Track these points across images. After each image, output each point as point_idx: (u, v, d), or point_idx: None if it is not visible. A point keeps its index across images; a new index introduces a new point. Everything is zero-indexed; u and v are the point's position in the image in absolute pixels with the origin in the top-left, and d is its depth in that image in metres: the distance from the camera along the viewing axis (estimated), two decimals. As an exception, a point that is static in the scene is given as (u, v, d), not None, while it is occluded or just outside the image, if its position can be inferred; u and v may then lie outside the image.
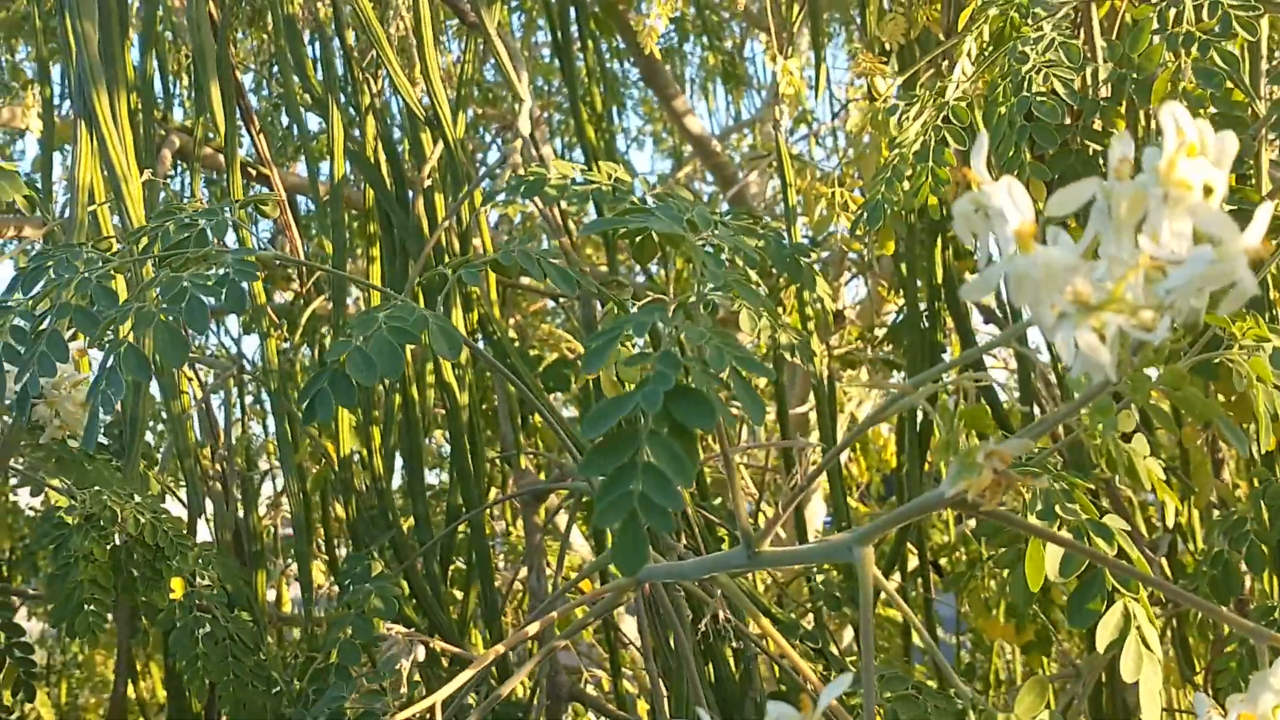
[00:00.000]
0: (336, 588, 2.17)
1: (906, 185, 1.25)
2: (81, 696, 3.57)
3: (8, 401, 1.03)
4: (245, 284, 0.89)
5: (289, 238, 2.12)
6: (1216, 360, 0.83)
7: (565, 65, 2.38)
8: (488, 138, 3.18)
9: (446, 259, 1.59)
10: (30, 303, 0.92)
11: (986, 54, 1.24)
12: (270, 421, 2.58)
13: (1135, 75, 1.23)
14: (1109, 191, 0.47)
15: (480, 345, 1.69)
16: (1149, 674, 0.72)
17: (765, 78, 4.61)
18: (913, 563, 2.19)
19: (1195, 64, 1.08)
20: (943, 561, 2.46)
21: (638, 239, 0.77)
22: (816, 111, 3.57)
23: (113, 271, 0.94)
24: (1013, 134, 1.10)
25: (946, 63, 1.69)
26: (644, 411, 0.57)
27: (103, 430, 1.30)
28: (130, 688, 2.26)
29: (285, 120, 2.89)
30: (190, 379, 1.76)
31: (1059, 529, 0.74)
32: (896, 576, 2.21)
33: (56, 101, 1.99)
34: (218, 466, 1.65)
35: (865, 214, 1.24)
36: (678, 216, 0.70)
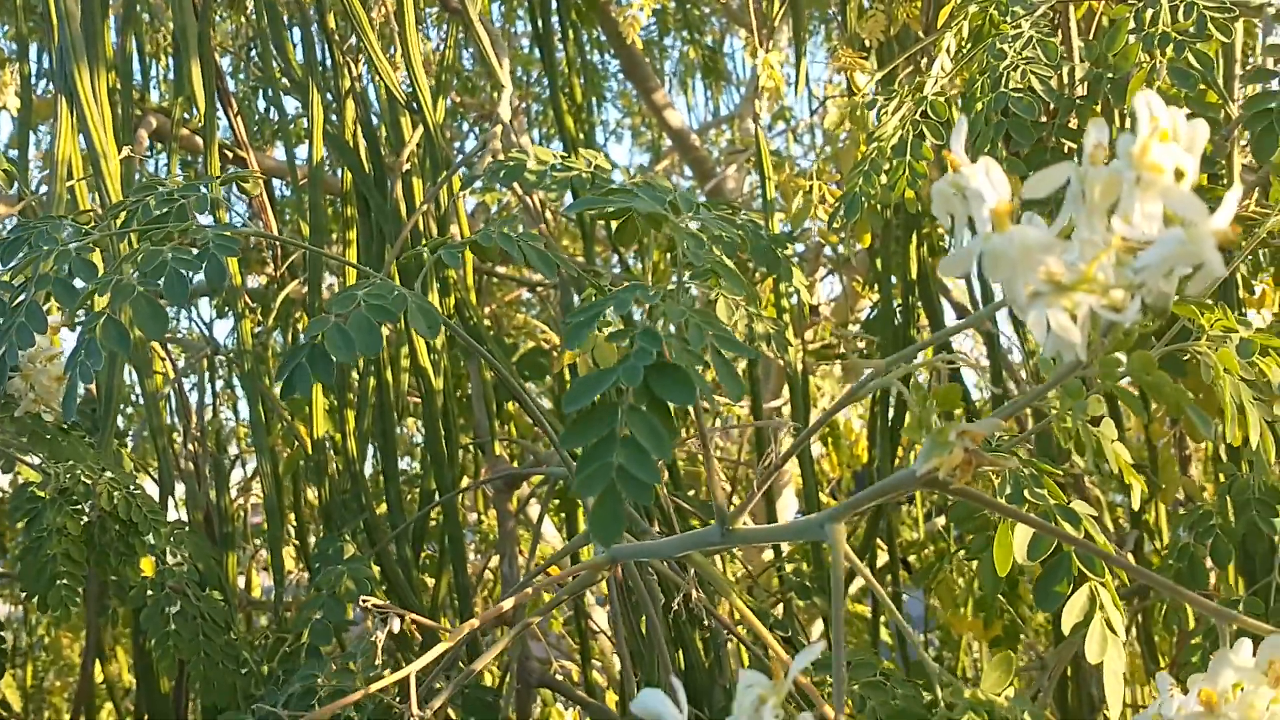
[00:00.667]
0: (306, 574, 2.17)
1: (884, 179, 1.26)
2: (47, 680, 3.55)
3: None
4: (225, 258, 0.89)
5: (265, 220, 2.12)
6: (1186, 356, 0.84)
7: (545, 55, 2.38)
8: (465, 126, 3.18)
9: (424, 243, 1.59)
10: (8, 275, 0.92)
11: (965, 51, 1.25)
12: (241, 406, 2.58)
13: (1111, 75, 1.24)
14: (1083, 176, 0.48)
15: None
16: (1113, 656, 0.73)
17: (744, 74, 4.62)
18: (882, 559, 2.20)
19: (1170, 64, 1.09)
20: (911, 559, 2.48)
21: (619, 223, 0.78)
22: (795, 109, 3.59)
23: (92, 245, 0.94)
24: (989, 129, 1.12)
25: (925, 60, 1.71)
26: (624, 386, 0.58)
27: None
28: (98, 670, 2.26)
29: (262, 105, 2.89)
30: (163, 359, 1.76)
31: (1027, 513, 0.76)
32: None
33: (34, 79, 1.98)
34: (190, 447, 1.65)
35: (843, 206, 1.25)
36: (660, 198, 0.71)
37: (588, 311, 0.63)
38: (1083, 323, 0.47)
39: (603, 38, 3.12)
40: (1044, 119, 1.18)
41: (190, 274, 0.88)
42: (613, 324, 0.63)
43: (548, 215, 2.71)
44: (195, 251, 0.88)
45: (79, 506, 1.14)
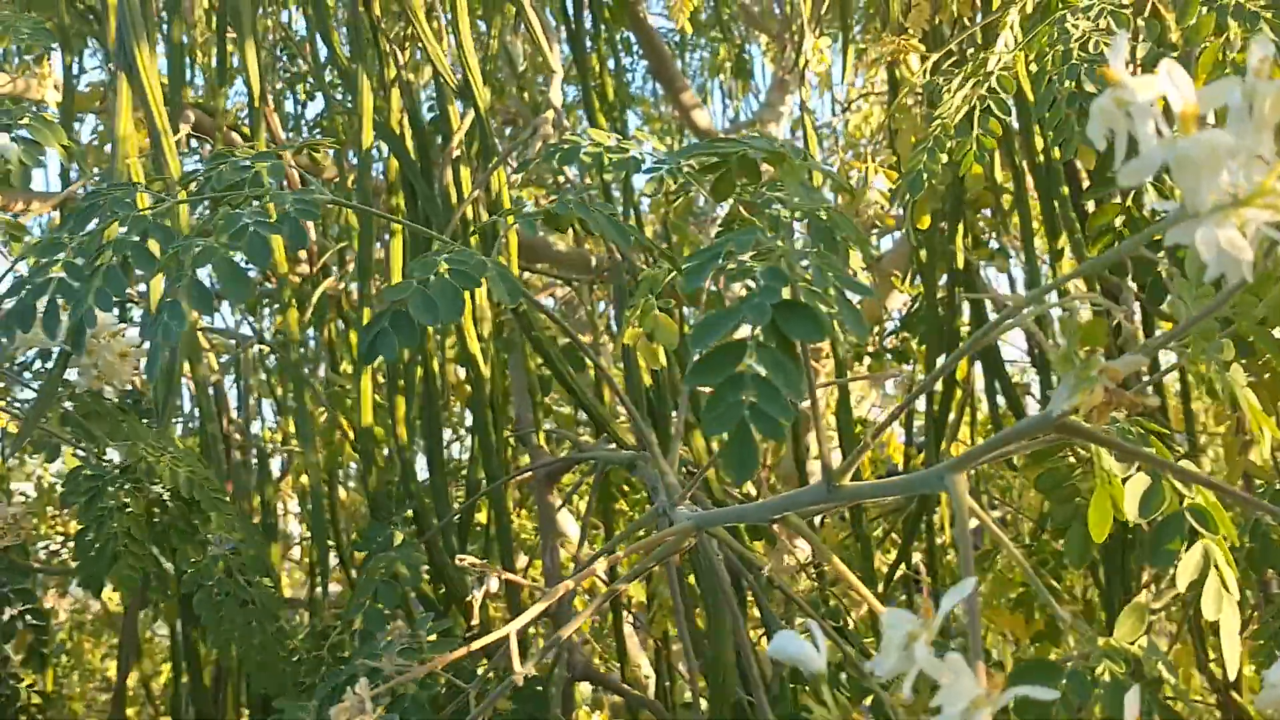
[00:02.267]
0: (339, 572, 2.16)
1: (945, 158, 1.25)
2: (68, 685, 3.53)
3: (59, 341, 1.02)
4: (305, 222, 0.88)
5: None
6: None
7: (577, 54, 2.38)
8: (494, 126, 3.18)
9: (473, 233, 1.58)
10: (86, 239, 0.91)
11: (1031, 26, 1.24)
12: (275, 404, 2.57)
13: (1173, 56, 1.23)
14: (1251, 91, 0.46)
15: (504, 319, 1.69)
16: (1229, 614, 0.72)
17: (765, 81, 4.62)
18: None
19: (1246, 35, 1.08)
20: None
21: (716, 177, 0.76)
22: (817, 110, 3.58)
23: (166, 212, 0.93)
24: (1062, 102, 1.10)
25: (971, 50, 1.70)
26: (751, 324, 0.57)
27: (131, 390, 1.29)
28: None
29: (290, 106, 2.89)
30: (208, 350, 1.75)
31: (1136, 471, 0.74)
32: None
33: (76, 71, 1.97)
34: (236, 436, 1.64)
35: (905, 184, 1.24)
36: (769, 146, 0.70)
37: (709, 252, 0.61)
38: (1251, 241, 0.46)
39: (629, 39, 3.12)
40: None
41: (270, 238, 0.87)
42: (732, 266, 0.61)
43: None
44: (277, 215, 0.87)
45: (141, 483, 1.13)
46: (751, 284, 0.59)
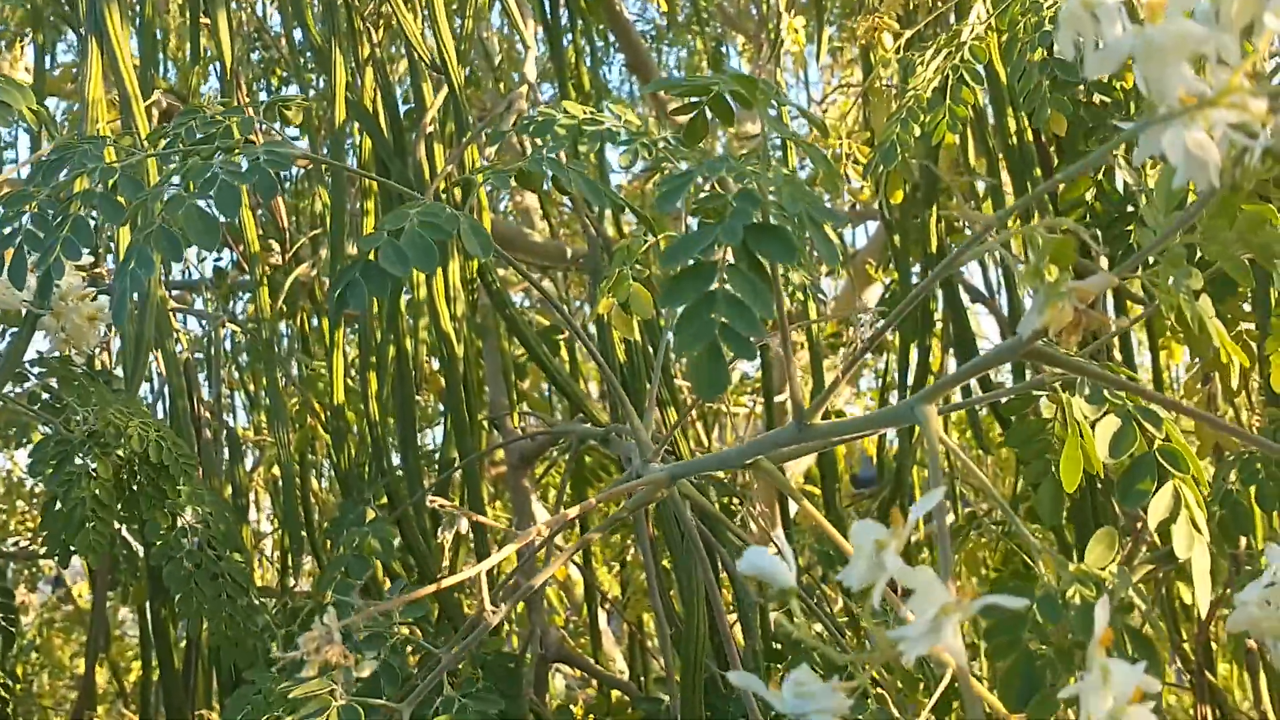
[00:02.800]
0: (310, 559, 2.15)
1: (918, 130, 1.25)
2: (38, 682, 3.50)
3: (26, 294, 1.01)
4: (275, 173, 0.88)
5: (274, 202, 2.10)
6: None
7: (552, 45, 2.38)
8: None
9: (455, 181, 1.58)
10: (53, 191, 0.90)
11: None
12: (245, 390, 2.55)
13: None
14: (1217, -7, 0.47)
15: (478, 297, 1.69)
16: (1200, 554, 0.72)
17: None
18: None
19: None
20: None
21: (689, 119, 0.76)
22: (792, 108, 3.59)
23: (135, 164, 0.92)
24: (1035, 68, 1.11)
25: (944, 34, 1.71)
26: (722, 245, 0.57)
27: (99, 354, 1.28)
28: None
29: (264, 96, 2.88)
30: (178, 330, 1.74)
31: (1106, 415, 0.74)
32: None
33: (47, 60, 1.96)
34: (206, 414, 1.62)
35: (878, 155, 1.25)
36: (740, 76, 0.70)
37: (678, 178, 0.61)
38: (1219, 141, 0.46)
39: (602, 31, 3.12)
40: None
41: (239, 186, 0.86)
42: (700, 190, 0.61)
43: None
44: (246, 164, 0.87)
45: (109, 448, 1.11)
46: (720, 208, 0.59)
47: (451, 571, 1.72)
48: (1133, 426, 0.74)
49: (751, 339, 0.55)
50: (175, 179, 0.87)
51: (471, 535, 1.63)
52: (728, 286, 0.56)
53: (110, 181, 0.89)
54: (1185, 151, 0.46)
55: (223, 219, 0.82)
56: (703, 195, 0.60)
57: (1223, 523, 1.11)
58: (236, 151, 0.89)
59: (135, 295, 0.83)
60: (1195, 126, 0.46)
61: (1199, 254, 0.61)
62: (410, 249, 0.86)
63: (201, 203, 0.85)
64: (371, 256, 0.86)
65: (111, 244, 1.31)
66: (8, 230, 0.89)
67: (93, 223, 0.90)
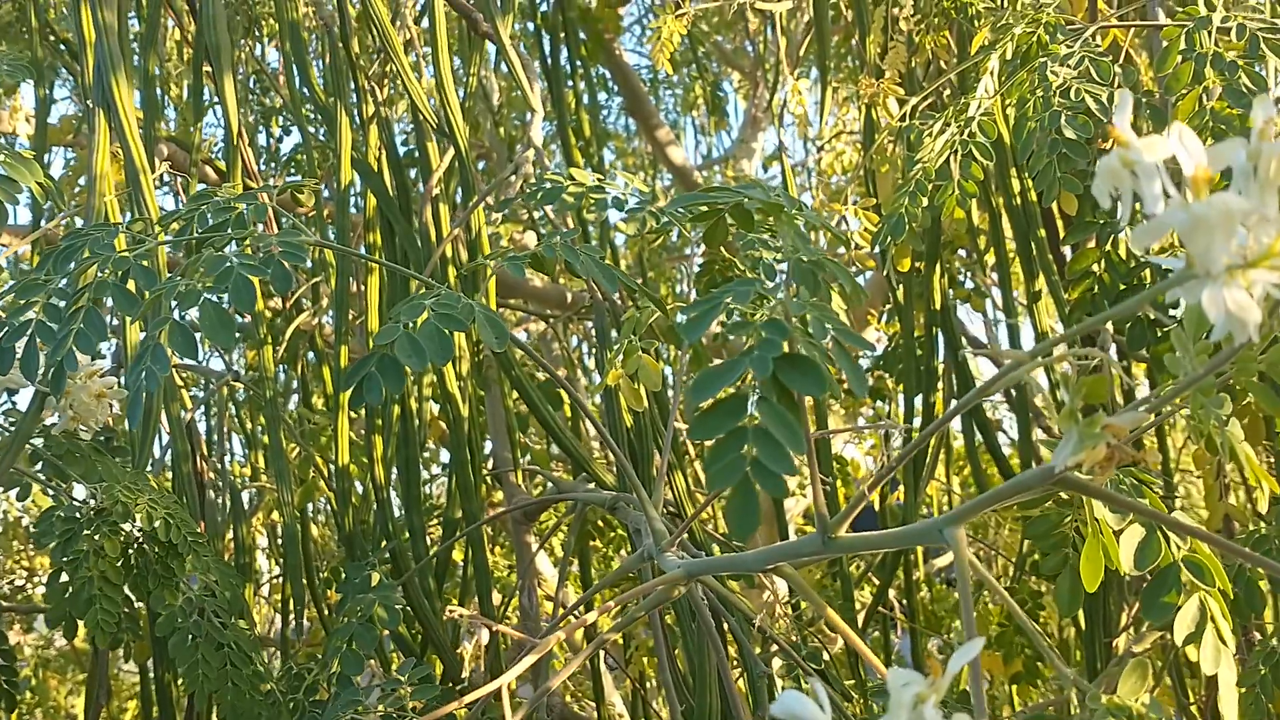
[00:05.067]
0: (313, 609, 2.13)
1: (926, 201, 1.25)
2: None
3: (36, 383, 1.00)
4: (291, 266, 0.87)
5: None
6: None
7: (553, 89, 2.39)
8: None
9: (451, 270, 1.58)
10: (66, 282, 0.90)
11: (1010, 73, 1.25)
12: (243, 439, 2.55)
13: (1146, 102, 1.25)
14: (1255, 152, 0.47)
15: (483, 357, 1.68)
16: (1226, 668, 0.72)
17: (737, 117, 4.64)
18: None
19: (1226, 85, 1.09)
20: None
21: (708, 225, 0.76)
22: (790, 149, 3.60)
23: (148, 253, 0.92)
24: (1044, 148, 1.11)
25: (949, 93, 1.71)
26: (753, 378, 0.57)
27: (107, 429, 1.27)
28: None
29: (263, 139, 2.88)
30: (182, 387, 1.73)
31: (1130, 524, 0.74)
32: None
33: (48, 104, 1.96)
34: (210, 475, 1.62)
35: (887, 227, 1.25)
36: (765, 195, 0.70)
37: (707, 303, 0.61)
38: (1258, 301, 0.46)
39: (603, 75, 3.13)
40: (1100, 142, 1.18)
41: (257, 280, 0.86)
42: (728, 317, 0.61)
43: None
44: (261, 257, 0.86)
45: (117, 526, 1.11)
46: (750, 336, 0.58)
47: (456, 637, 1.71)
48: (1157, 537, 0.74)
49: (784, 475, 0.54)
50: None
51: (478, 600, 1.62)
52: (758, 421, 0.55)
53: (124, 271, 0.89)
54: (1225, 310, 0.46)
55: (240, 318, 0.82)
56: (733, 320, 0.59)
57: (1236, 602, 1.11)
58: (248, 242, 0.88)
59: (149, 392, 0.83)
60: (1235, 285, 0.46)
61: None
62: (427, 341, 0.86)
63: (215, 297, 0.85)
64: (388, 349, 0.86)
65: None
66: (19, 322, 0.88)
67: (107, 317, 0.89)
